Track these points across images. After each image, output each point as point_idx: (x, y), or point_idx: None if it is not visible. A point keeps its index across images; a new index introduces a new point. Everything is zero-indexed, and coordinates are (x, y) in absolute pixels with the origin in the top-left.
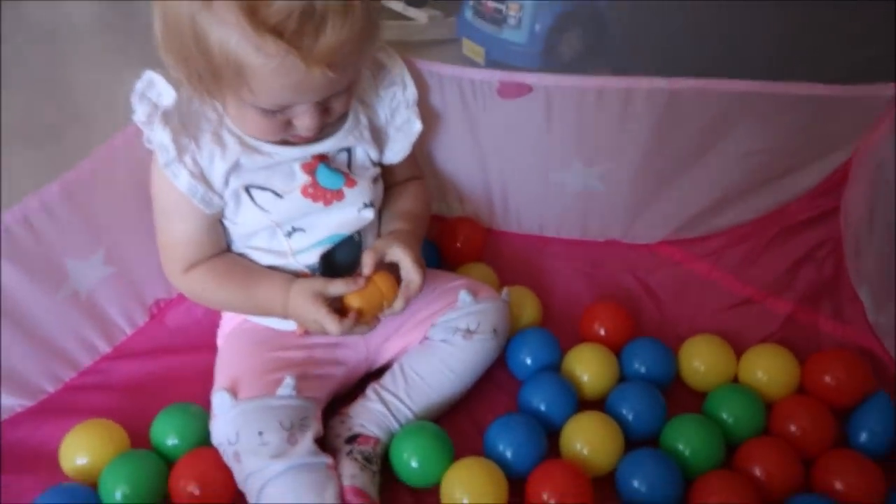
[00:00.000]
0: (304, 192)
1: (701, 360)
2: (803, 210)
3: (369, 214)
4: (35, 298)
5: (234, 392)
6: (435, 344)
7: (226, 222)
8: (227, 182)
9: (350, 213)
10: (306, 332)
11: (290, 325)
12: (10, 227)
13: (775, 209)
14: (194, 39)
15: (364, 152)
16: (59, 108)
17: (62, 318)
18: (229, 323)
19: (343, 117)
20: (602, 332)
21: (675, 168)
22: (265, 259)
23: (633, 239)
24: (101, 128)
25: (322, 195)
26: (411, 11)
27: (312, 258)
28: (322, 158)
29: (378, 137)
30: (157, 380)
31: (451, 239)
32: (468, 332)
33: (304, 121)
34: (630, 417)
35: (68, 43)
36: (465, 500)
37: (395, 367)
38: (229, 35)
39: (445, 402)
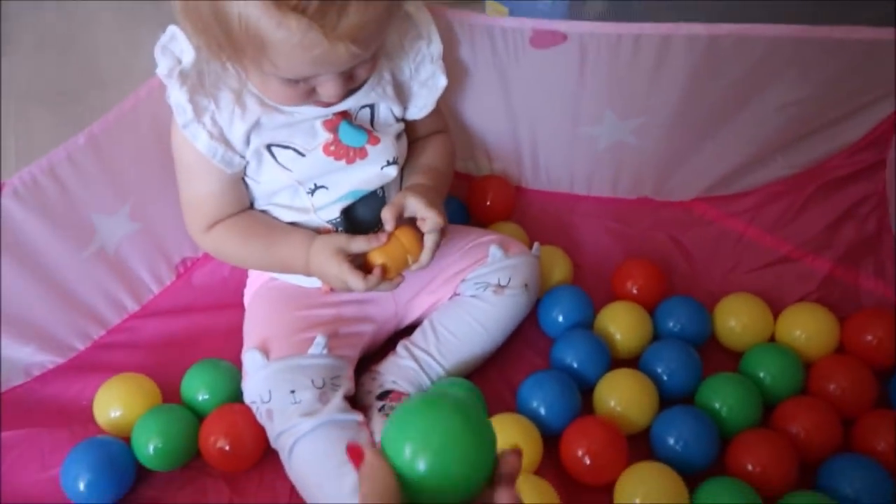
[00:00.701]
0: (326, 149)
1: (737, 319)
2: (844, 165)
3: (392, 172)
4: (63, 254)
5: (265, 351)
6: (465, 300)
7: (248, 180)
8: (247, 141)
9: (373, 171)
10: (332, 290)
11: (316, 283)
12: (38, 178)
13: (815, 164)
14: (213, 12)
15: (387, 109)
16: (77, 70)
17: (90, 275)
18: (256, 281)
19: None
20: (635, 291)
21: (711, 121)
22: (288, 216)
23: (665, 196)
24: (119, 89)
25: (345, 153)
26: None
27: (334, 213)
28: (344, 115)
29: (401, 93)
30: (184, 338)
31: (480, 198)
32: (499, 287)
33: (328, 89)
34: (665, 376)
35: (86, 4)
36: None
37: (426, 323)
38: (249, 10)
39: (477, 358)
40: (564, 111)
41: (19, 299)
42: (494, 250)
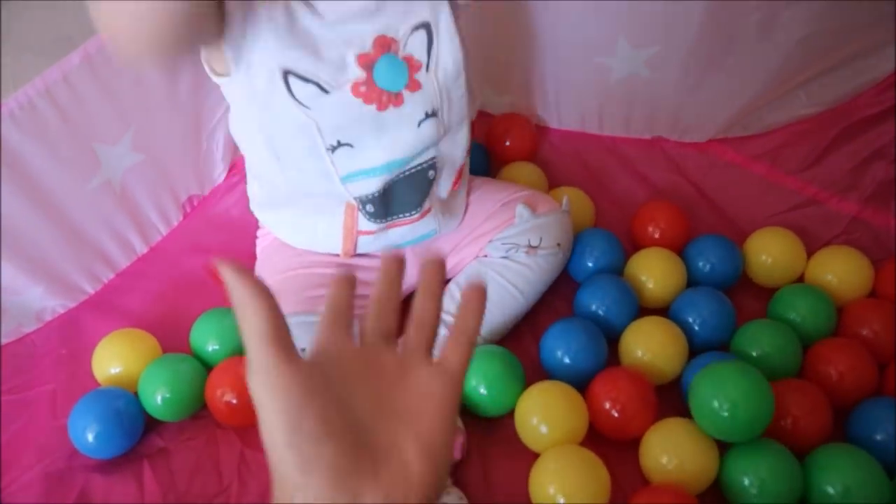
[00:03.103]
0: (356, 90)
1: (769, 254)
2: (872, 103)
3: (431, 132)
4: (68, 185)
5: None
6: (496, 261)
7: (258, 110)
8: (267, 54)
9: (408, 128)
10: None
11: (330, 247)
12: (34, 101)
13: (840, 103)
14: None
15: (449, 22)
16: (72, 17)
17: (97, 210)
18: (267, 237)
19: None
20: (657, 235)
21: (728, 51)
22: (313, 183)
23: (681, 136)
24: None
25: (377, 96)
26: None
27: (367, 188)
28: (386, 45)
29: None
30: (194, 282)
31: (499, 138)
32: (531, 248)
33: None
34: (697, 325)
35: None
36: (544, 429)
37: (453, 286)
38: None
39: (509, 323)
40: (576, 39)
41: (26, 234)
42: (521, 210)
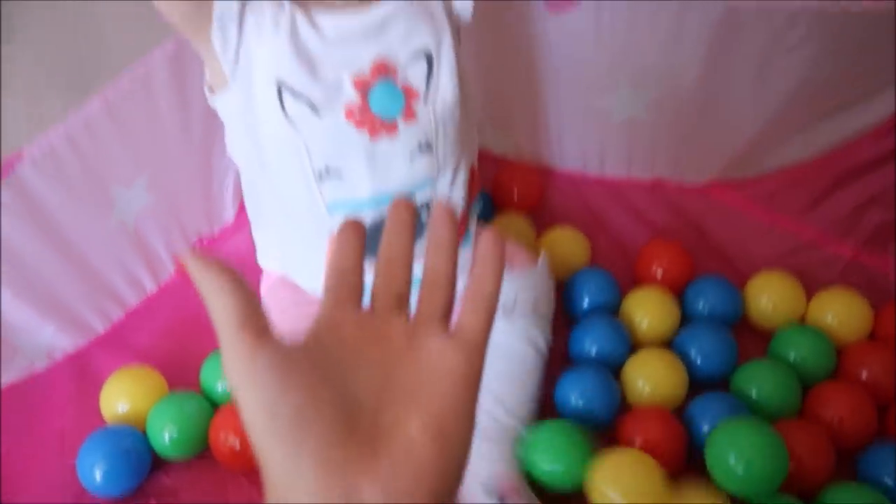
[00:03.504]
0: (349, 113)
1: (769, 296)
2: (870, 148)
3: (424, 167)
4: (84, 226)
5: None
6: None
7: (250, 126)
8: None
9: (400, 159)
10: None
11: (314, 284)
12: (55, 146)
13: (838, 147)
14: None
15: (450, 53)
16: (87, 52)
17: (111, 250)
18: (270, 277)
19: None
20: (660, 274)
21: (727, 96)
22: (300, 210)
23: (681, 177)
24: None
25: (370, 123)
26: None
27: None
28: (384, 71)
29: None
30: (202, 320)
31: (504, 187)
32: (506, 311)
33: None
34: (698, 359)
35: None
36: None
37: None
38: None
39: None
40: (577, 80)
41: (41, 274)
42: None
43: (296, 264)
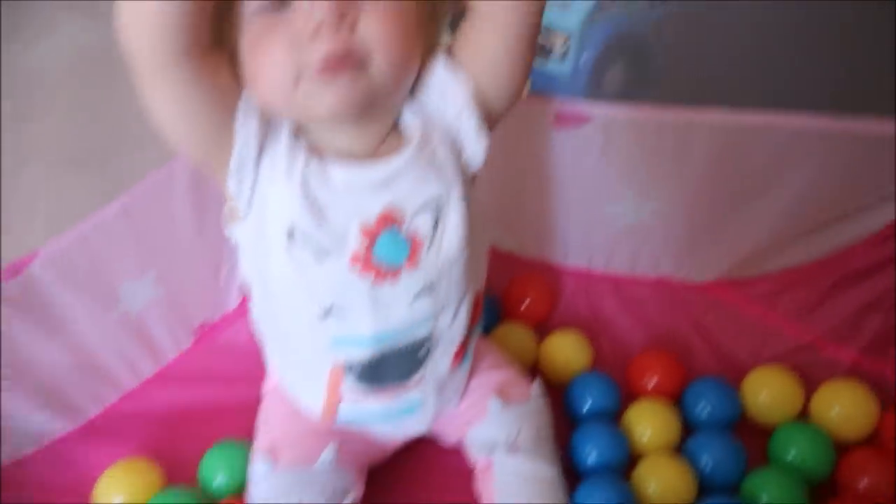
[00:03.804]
0: (354, 259)
1: (767, 392)
2: (868, 254)
3: (424, 309)
4: (88, 318)
5: (273, 456)
6: (484, 475)
7: (260, 258)
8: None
9: (401, 302)
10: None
11: (312, 410)
12: (69, 247)
13: (837, 252)
14: None
15: (458, 203)
16: (107, 133)
17: (111, 339)
18: (272, 378)
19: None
20: (652, 385)
21: (732, 204)
22: (302, 341)
23: (685, 276)
24: (150, 152)
25: (374, 270)
26: None
27: (356, 355)
28: (391, 220)
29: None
30: (199, 409)
31: (516, 298)
32: (511, 446)
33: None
34: (708, 468)
35: (114, 67)
36: None
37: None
38: None
39: None
40: (586, 189)
41: (40, 365)
42: (493, 403)
43: (293, 385)
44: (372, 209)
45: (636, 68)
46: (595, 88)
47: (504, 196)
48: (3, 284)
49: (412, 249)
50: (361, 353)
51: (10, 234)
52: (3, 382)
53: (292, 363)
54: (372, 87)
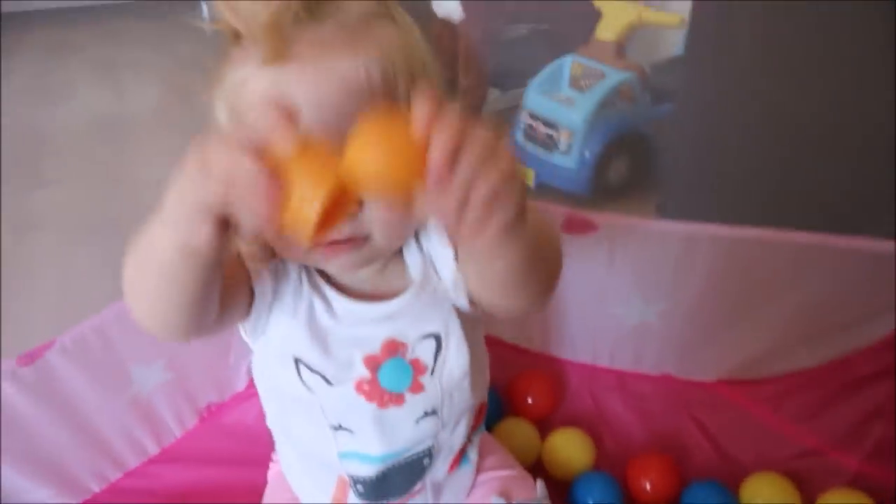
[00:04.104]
0: (359, 387)
1: (764, 499)
2: (869, 363)
3: (429, 428)
4: (99, 402)
5: None
6: None
7: (271, 377)
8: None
9: (406, 424)
10: None
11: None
12: (86, 335)
13: (839, 359)
14: None
15: (458, 332)
16: (122, 202)
17: (120, 420)
18: (277, 464)
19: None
20: (648, 488)
21: (734, 312)
22: (312, 451)
23: (688, 375)
24: None
25: (378, 395)
26: None
27: (362, 471)
28: (394, 349)
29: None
30: (202, 489)
31: (520, 394)
32: None
33: None
34: None
35: (130, 135)
36: None
37: None
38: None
39: None
40: (593, 291)
41: (45, 443)
42: (496, 502)
43: (300, 485)
44: (375, 340)
45: (639, 163)
46: (599, 181)
47: None
48: (18, 371)
49: (415, 375)
50: (367, 469)
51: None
52: (3, 456)
53: (300, 465)
54: (374, 252)
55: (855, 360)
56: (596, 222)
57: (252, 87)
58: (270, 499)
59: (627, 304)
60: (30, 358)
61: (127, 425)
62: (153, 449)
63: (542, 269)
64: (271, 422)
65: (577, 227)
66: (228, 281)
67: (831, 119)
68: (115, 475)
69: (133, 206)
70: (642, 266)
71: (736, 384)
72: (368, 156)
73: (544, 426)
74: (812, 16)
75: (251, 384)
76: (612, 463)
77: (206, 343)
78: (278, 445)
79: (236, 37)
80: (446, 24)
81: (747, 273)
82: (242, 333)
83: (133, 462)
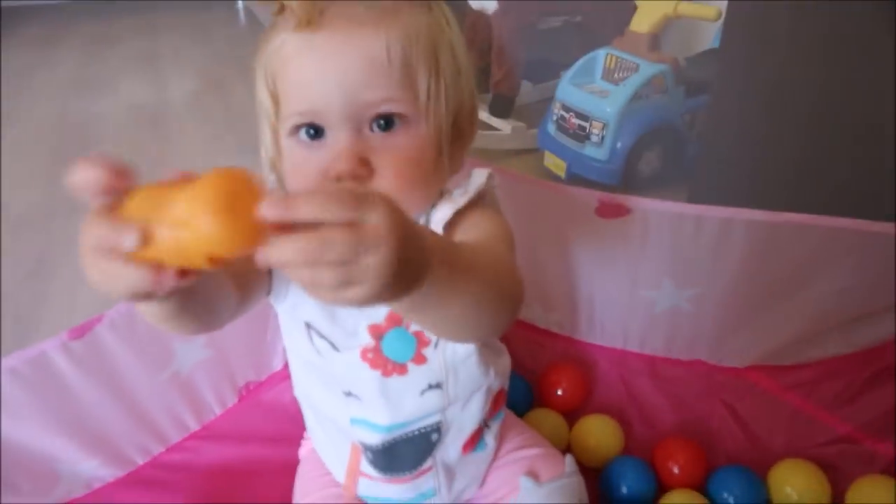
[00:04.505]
0: (363, 355)
1: (792, 487)
2: None
3: (435, 401)
4: (142, 376)
5: None
6: None
7: (291, 340)
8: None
9: (410, 394)
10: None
11: (338, 476)
12: (132, 310)
13: (874, 346)
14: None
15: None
16: None
17: (162, 396)
18: (308, 442)
19: None
20: (676, 471)
21: (768, 297)
22: (328, 414)
23: (719, 360)
24: None
25: (382, 364)
26: (495, 121)
27: (370, 439)
28: (399, 319)
29: None
30: (240, 465)
31: (550, 385)
32: None
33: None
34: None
35: (169, 124)
36: None
37: None
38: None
39: None
40: (624, 275)
41: (97, 417)
42: (525, 482)
43: (322, 448)
44: (380, 309)
45: (671, 155)
46: (630, 173)
47: (544, 278)
48: (69, 344)
49: (418, 346)
50: (375, 438)
51: (64, 280)
52: (58, 427)
53: (321, 430)
54: None
55: (889, 347)
56: (629, 205)
57: (286, 51)
58: (302, 479)
59: (659, 288)
60: (81, 331)
61: (169, 401)
62: (194, 425)
63: (488, 311)
64: (297, 389)
65: (610, 210)
66: (240, 269)
67: (867, 110)
68: (157, 449)
69: None
70: (674, 250)
71: (768, 370)
72: (211, 216)
73: (573, 416)
74: (847, 8)
75: (287, 365)
76: (641, 448)
77: (245, 319)
78: (304, 413)
79: (281, 9)
80: (480, 15)
81: (781, 259)
82: (270, 298)
83: (175, 437)
